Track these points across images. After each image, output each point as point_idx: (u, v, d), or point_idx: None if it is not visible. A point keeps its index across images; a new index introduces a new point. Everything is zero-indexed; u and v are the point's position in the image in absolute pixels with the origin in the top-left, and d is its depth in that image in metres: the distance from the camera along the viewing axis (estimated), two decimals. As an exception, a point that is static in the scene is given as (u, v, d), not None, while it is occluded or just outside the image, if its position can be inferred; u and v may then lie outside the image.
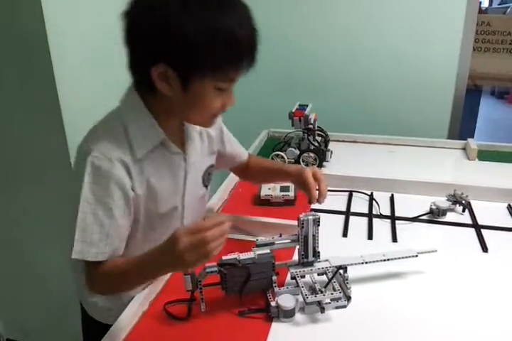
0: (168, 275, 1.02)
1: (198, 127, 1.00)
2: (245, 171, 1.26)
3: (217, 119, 0.93)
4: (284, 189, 1.38)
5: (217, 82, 0.82)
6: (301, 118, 1.64)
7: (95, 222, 0.83)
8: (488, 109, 5.04)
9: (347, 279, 0.93)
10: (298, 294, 0.92)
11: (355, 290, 0.92)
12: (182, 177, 0.98)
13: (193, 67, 0.78)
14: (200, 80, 0.80)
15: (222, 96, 0.85)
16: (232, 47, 0.77)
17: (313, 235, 0.94)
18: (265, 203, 1.36)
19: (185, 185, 1.00)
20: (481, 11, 2.66)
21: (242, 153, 1.21)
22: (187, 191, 1.01)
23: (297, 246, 0.96)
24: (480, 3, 2.50)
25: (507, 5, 3.35)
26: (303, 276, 0.95)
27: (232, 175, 1.52)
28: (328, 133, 1.76)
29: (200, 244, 0.73)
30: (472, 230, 1.24)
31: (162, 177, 0.93)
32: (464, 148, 1.84)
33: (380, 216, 1.32)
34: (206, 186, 1.09)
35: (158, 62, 0.78)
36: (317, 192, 1.04)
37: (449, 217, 1.31)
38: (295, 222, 0.95)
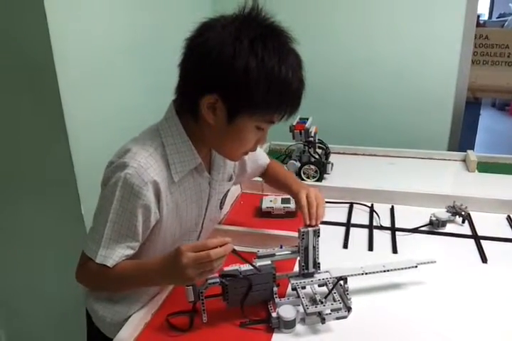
0: (170, 287, 1.03)
1: None
2: (263, 177, 1.30)
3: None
4: (285, 201, 1.39)
5: (260, 122, 0.86)
6: (302, 131, 1.66)
7: (119, 232, 0.86)
8: (489, 120, 5.06)
9: (347, 290, 0.94)
10: (299, 305, 0.93)
11: (355, 301, 0.92)
12: (205, 200, 1.01)
13: (245, 104, 0.82)
14: (247, 117, 0.84)
15: (258, 135, 0.90)
16: (285, 93, 0.83)
17: (314, 246, 0.96)
18: (267, 215, 1.37)
19: (207, 208, 1.03)
20: (479, 24, 2.70)
21: (262, 163, 1.25)
22: (207, 215, 1.04)
23: (298, 258, 0.97)
24: (478, 16, 2.54)
25: (505, 18, 3.39)
26: (303, 287, 0.96)
27: (233, 187, 1.54)
28: (329, 145, 1.78)
29: (204, 260, 0.77)
30: (472, 241, 1.25)
31: (189, 201, 0.95)
32: (463, 160, 1.85)
33: (381, 227, 1.33)
34: (221, 209, 1.12)
35: (211, 92, 0.81)
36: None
37: (449, 228, 1.32)
38: (296, 234, 0.96)
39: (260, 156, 1.24)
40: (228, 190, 1.13)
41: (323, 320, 0.89)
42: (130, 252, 0.89)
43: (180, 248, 0.78)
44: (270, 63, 0.79)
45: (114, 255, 0.86)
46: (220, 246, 0.79)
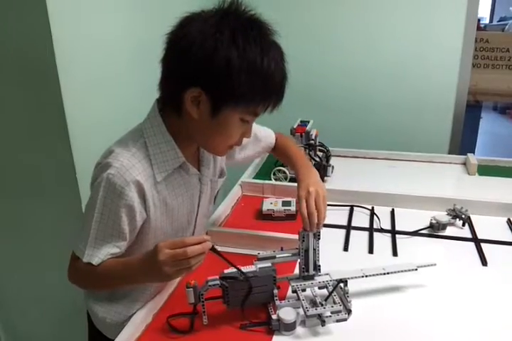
0: (171, 289, 1.04)
1: None
2: (272, 152, 1.29)
3: (230, 151, 0.97)
4: (285, 204, 1.39)
5: (244, 114, 0.87)
6: (303, 134, 1.66)
7: (104, 231, 0.87)
8: (490, 124, 5.06)
9: (347, 292, 0.94)
10: (299, 307, 0.93)
11: (355, 304, 0.93)
12: (197, 197, 1.02)
13: (229, 97, 0.82)
14: (231, 110, 0.84)
15: (243, 128, 0.90)
16: (268, 85, 0.83)
17: (314, 249, 0.96)
18: (267, 217, 1.38)
19: (199, 204, 1.03)
20: (479, 28, 2.71)
21: (268, 144, 1.25)
22: (200, 210, 1.04)
23: (298, 260, 0.97)
24: (479, 20, 2.54)
25: (506, 22, 3.40)
26: (304, 290, 0.96)
27: (234, 189, 1.55)
28: (330, 148, 1.79)
29: (181, 257, 0.76)
30: (472, 244, 1.25)
31: (179, 197, 0.96)
32: (464, 163, 1.85)
33: (381, 230, 1.33)
34: (214, 204, 1.14)
35: (194, 85, 0.82)
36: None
37: (449, 231, 1.32)
38: (296, 236, 0.97)
39: (264, 136, 1.23)
40: (221, 185, 1.13)
41: (323, 323, 0.89)
42: (116, 251, 0.89)
43: (158, 245, 0.78)
44: (252, 54, 0.80)
45: (99, 253, 0.88)
46: (199, 243, 0.78)
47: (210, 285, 0.89)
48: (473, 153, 1.87)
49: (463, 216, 1.33)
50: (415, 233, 1.31)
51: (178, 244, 0.77)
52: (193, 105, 0.84)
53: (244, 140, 0.97)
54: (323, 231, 0.97)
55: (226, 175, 1.13)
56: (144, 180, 0.87)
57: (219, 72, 0.79)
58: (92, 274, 0.90)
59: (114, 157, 0.86)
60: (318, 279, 0.97)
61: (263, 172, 1.75)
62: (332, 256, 1.04)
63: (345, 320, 0.91)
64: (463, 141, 2.33)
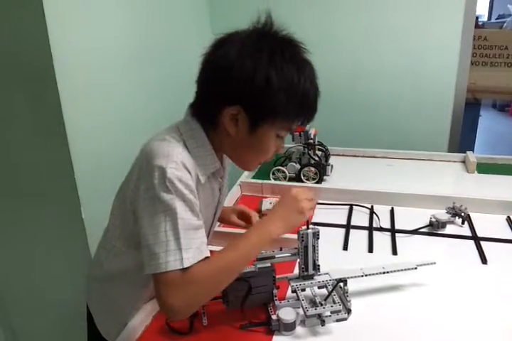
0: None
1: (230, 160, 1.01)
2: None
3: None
4: (284, 203, 1.39)
5: (280, 130, 0.88)
6: (302, 133, 1.66)
7: (193, 228, 0.80)
8: (489, 121, 5.06)
9: (347, 292, 0.94)
10: (298, 307, 0.93)
11: (355, 303, 0.93)
12: (215, 207, 1.02)
13: (267, 114, 0.84)
14: (268, 126, 0.86)
15: (277, 144, 0.91)
16: (304, 103, 0.86)
17: (314, 248, 0.96)
18: (266, 217, 1.37)
19: (215, 214, 1.03)
20: (478, 26, 2.71)
21: None
22: (215, 220, 1.05)
23: (298, 260, 0.97)
24: (477, 17, 2.54)
25: (504, 19, 3.40)
26: (303, 289, 0.96)
27: (233, 189, 1.55)
28: (329, 147, 1.79)
29: (309, 196, 0.91)
30: (471, 242, 1.25)
31: (204, 204, 0.94)
32: (463, 161, 1.85)
33: (380, 229, 1.33)
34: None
35: (234, 104, 0.83)
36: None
37: (449, 229, 1.32)
38: (295, 236, 0.96)
39: None
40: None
41: (323, 322, 0.89)
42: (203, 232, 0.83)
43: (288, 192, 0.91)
44: (289, 73, 0.82)
45: (198, 245, 0.79)
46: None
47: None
48: (473, 151, 1.87)
49: (462, 214, 1.33)
50: (415, 231, 1.31)
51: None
52: (232, 122, 0.85)
53: None
54: (323, 230, 0.97)
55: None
56: (195, 177, 0.85)
57: (259, 91, 0.81)
58: (208, 272, 0.79)
59: (167, 156, 0.81)
60: (317, 279, 0.97)
61: (262, 172, 1.75)
62: (331, 255, 1.04)
63: (345, 319, 0.91)
64: (462, 139, 2.32)
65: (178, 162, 0.81)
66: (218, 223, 1.21)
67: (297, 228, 0.94)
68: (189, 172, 0.82)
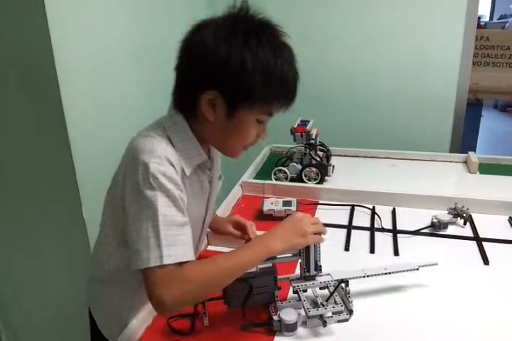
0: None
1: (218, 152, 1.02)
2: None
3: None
4: (286, 203, 1.39)
5: (260, 115, 0.87)
6: (303, 133, 1.66)
7: (178, 224, 0.80)
8: (491, 122, 5.06)
9: (349, 293, 0.94)
10: (300, 308, 0.93)
11: (356, 304, 0.92)
12: (206, 200, 1.01)
13: (244, 98, 0.83)
14: (247, 111, 0.85)
15: (258, 129, 0.90)
16: (282, 85, 0.85)
17: (315, 249, 0.95)
18: (268, 218, 1.37)
19: (207, 208, 1.03)
20: (480, 26, 2.70)
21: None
22: (207, 214, 1.04)
23: (299, 260, 0.97)
24: (479, 18, 2.54)
25: (506, 20, 3.39)
26: (305, 290, 0.96)
27: (234, 190, 1.55)
28: (330, 148, 1.78)
29: (315, 220, 0.93)
30: (473, 243, 1.25)
31: (193, 197, 0.94)
32: (465, 162, 1.85)
33: (382, 229, 1.33)
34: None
35: (210, 88, 0.83)
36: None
37: (451, 230, 1.32)
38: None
39: None
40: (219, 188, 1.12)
41: (324, 323, 0.89)
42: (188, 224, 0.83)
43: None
44: (265, 56, 0.81)
45: (181, 241, 0.80)
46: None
47: (210, 287, 0.88)
48: (475, 151, 1.87)
49: (464, 215, 1.33)
50: (416, 232, 1.30)
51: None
52: (209, 108, 0.85)
53: None
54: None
55: (222, 178, 1.13)
56: (180, 170, 0.86)
57: (234, 74, 0.81)
58: (197, 274, 0.79)
59: (150, 152, 0.82)
60: (319, 279, 0.97)
61: (264, 172, 1.75)
62: (333, 256, 1.03)
63: (346, 320, 0.90)
64: (464, 140, 2.32)
65: (162, 157, 0.82)
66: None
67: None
68: (173, 166, 0.83)
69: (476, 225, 1.33)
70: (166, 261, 0.76)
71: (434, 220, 1.31)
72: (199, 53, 0.82)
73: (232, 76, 0.81)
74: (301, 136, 1.67)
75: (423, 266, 1.03)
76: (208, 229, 1.22)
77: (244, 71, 0.80)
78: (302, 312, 0.91)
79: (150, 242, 0.77)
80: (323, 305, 0.91)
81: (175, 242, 0.78)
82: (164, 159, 0.82)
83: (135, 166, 0.81)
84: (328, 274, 0.98)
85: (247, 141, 0.91)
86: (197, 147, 0.91)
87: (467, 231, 1.31)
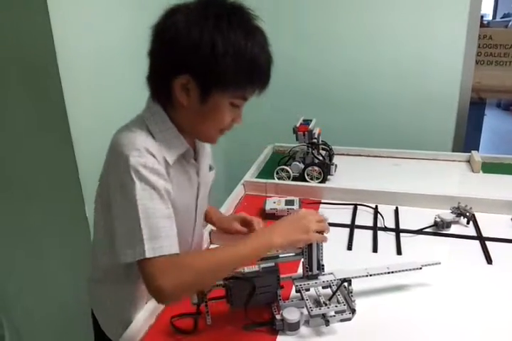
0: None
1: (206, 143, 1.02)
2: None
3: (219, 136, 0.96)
4: (288, 203, 1.39)
5: (233, 99, 0.87)
6: (306, 132, 1.66)
7: (160, 216, 0.80)
8: (494, 120, 5.04)
9: (351, 292, 0.93)
10: (303, 307, 0.92)
11: (359, 303, 0.92)
12: (195, 191, 1.00)
13: (216, 81, 0.83)
14: (220, 95, 0.85)
15: (233, 113, 0.90)
16: (254, 68, 0.84)
17: (318, 248, 0.95)
18: (270, 217, 1.37)
19: (197, 199, 1.02)
20: (482, 25, 2.70)
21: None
22: (198, 205, 1.03)
23: (302, 260, 0.96)
24: (482, 16, 2.53)
25: (509, 18, 3.38)
26: (308, 289, 0.96)
27: (237, 189, 1.54)
28: (333, 147, 1.78)
29: (319, 219, 0.92)
30: (476, 242, 1.25)
31: (181, 191, 0.93)
32: (468, 161, 1.85)
33: (385, 229, 1.32)
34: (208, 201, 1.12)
35: (182, 73, 0.83)
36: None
37: (454, 229, 1.31)
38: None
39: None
40: (212, 180, 1.12)
41: (327, 322, 0.89)
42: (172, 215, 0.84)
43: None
44: (236, 39, 0.81)
45: (165, 233, 0.80)
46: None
47: (213, 285, 0.88)
48: (478, 150, 1.86)
49: (467, 214, 1.32)
50: (419, 231, 1.30)
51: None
52: (183, 92, 0.85)
53: None
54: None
55: (214, 169, 1.12)
56: (162, 160, 0.86)
57: (205, 57, 0.81)
58: (194, 262, 0.81)
59: (129, 145, 0.83)
60: (322, 278, 0.96)
61: (266, 172, 1.75)
62: (336, 255, 1.03)
63: (349, 319, 0.90)
64: (467, 139, 2.31)
65: (141, 149, 0.82)
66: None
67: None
68: (154, 156, 0.83)
69: (480, 224, 1.33)
70: (150, 254, 0.76)
71: (437, 219, 1.31)
72: (172, 37, 0.83)
73: (203, 59, 0.81)
74: (304, 135, 1.66)
75: (426, 265, 1.02)
76: (214, 228, 1.23)
77: (215, 54, 0.80)
78: (305, 311, 0.91)
79: (136, 235, 0.77)
80: (326, 304, 0.90)
81: (160, 234, 0.78)
82: (144, 150, 0.82)
83: (116, 161, 0.82)
84: (331, 273, 0.98)
85: (222, 126, 0.91)
86: (178, 137, 0.90)
87: (470, 230, 1.31)
